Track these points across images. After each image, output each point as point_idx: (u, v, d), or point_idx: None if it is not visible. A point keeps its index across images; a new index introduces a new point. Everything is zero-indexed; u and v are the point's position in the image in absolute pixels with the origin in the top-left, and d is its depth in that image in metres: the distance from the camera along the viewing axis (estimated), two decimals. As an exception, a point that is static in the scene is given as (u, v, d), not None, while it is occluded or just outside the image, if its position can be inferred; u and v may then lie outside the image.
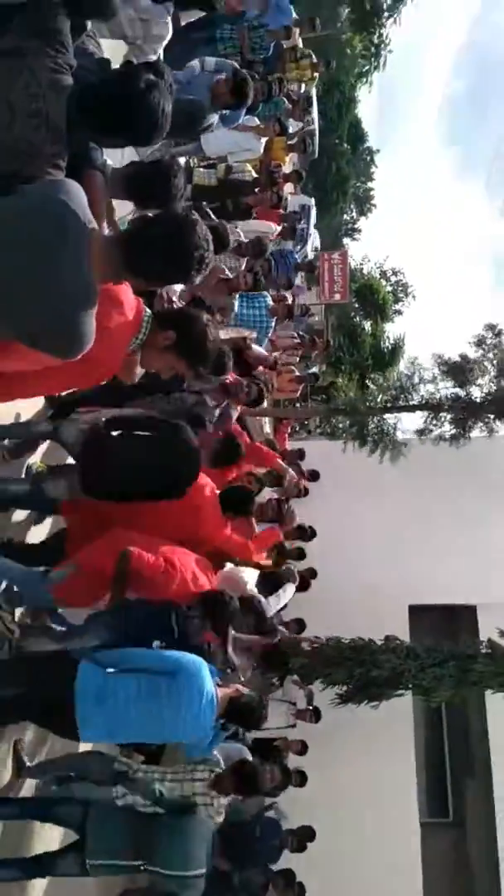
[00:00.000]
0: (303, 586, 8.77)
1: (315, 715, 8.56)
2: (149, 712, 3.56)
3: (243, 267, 6.95)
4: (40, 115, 2.07)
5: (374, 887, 9.33)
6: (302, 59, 10.32)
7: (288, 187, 9.99)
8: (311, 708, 8.65)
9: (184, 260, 2.12)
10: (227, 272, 6.04)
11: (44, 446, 4.93)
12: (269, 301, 7.43)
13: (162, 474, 3.75)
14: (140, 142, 2.40)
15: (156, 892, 4.40)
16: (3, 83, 2.10)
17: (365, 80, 35.77)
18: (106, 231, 2.62)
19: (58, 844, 4.46)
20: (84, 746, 4.54)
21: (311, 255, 13.31)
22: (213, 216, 6.17)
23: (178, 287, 4.67)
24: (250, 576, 5.46)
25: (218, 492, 4.71)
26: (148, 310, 2.53)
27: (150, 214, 2.21)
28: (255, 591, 5.61)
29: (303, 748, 8.26)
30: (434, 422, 10.75)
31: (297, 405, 12.69)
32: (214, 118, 4.98)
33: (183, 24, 7.03)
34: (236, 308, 6.27)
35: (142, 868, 3.89)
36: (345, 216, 40.85)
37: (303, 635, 8.39)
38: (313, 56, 10.73)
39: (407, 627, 10.41)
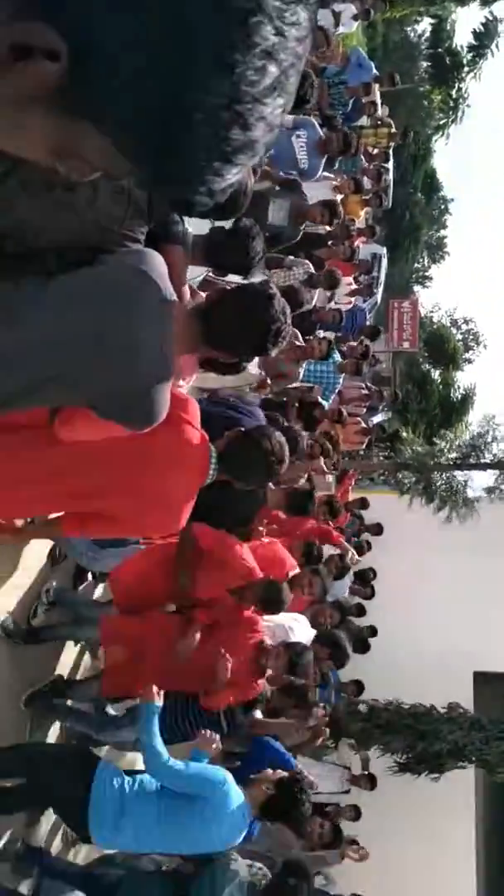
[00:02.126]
0: (362, 646, 8.52)
1: (370, 781, 8.21)
2: (171, 831, 3.40)
3: (315, 298, 6.89)
4: (123, 191, 2.07)
5: None
6: (381, 126, 10.40)
7: (361, 239, 9.99)
8: (366, 773, 8.31)
9: (261, 334, 2.11)
10: (299, 338, 6.01)
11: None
12: (338, 357, 7.36)
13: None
14: (221, 219, 2.40)
15: None
16: None
17: (442, 132, 35.94)
18: (188, 299, 2.61)
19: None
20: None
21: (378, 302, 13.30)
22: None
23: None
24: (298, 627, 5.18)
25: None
26: (213, 450, 2.52)
27: (229, 287, 2.19)
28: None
29: (356, 814, 7.90)
30: (505, 481, 10.45)
31: (362, 454, 12.52)
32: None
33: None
34: (301, 374, 6.24)
35: None
36: (416, 264, 40.82)
37: (361, 697, 8.13)
38: (393, 125, 10.80)
39: (471, 694, 9.96)
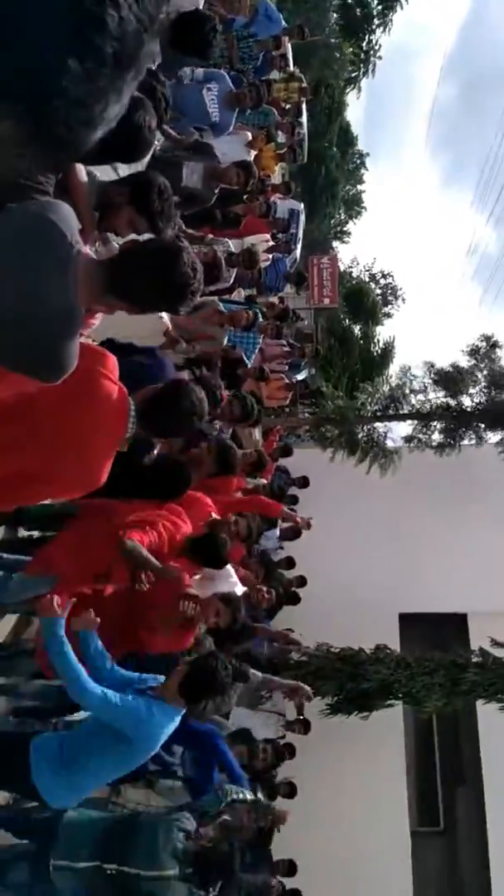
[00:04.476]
0: (292, 596, 8.74)
1: (304, 726, 8.49)
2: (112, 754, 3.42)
3: (233, 277, 6.92)
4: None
5: (364, 897, 9.29)
6: (292, 80, 10.29)
7: (277, 196, 9.98)
8: (300, 718, 8.59)
9: (170, 289, 2.09)
10: (220, 306, 6.06)
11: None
12: (259, 318, 7.43)
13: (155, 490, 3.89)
14: (126, 160, 2.36)
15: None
16: None
17: (353, 85, 35.74)
18: (94, 245, 2.58)
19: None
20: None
21: (297, 259, 13.33)
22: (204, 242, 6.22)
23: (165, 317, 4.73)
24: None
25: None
26: (132, 404, 2.50)
27: (140, 239, 2.17)
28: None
29: (291, 752, 8.14)
30: (424, 430, 10.77)
31: (287, 410, 12.66)
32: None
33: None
34: (225, 341, 6.29)
35: (109, 871, 3.64)
36: (334, 219, 40.83)
37: (292, 646, 8.36)
38: (304, 80, 10.69)
39: (397, 636, 10.39)
